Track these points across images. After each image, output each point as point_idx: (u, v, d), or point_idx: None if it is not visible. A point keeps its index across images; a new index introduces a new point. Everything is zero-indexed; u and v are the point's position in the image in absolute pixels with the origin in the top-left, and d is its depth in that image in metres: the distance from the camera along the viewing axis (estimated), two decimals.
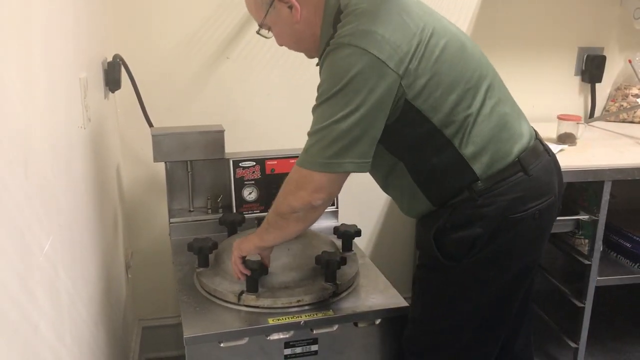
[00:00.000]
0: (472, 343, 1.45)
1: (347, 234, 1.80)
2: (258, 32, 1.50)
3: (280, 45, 1.52)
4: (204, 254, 1.67)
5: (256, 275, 1.50)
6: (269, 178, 1.99)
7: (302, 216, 1.38)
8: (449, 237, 1.37)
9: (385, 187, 1.50)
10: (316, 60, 1.45)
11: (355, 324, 1.55)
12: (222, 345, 1.44)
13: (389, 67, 1.24)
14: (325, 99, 1.28)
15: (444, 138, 1.32)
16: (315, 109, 1.32)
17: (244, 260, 1.50)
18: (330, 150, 1.28)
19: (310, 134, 1.32)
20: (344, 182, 1.35)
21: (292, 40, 1.48)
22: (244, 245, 1.51)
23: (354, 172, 1.31)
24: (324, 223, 2.07)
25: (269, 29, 1.48)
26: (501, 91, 1.41)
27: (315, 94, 1.66)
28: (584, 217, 2.16)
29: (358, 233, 1.81)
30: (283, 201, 1.38)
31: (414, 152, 1.38)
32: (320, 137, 1.28)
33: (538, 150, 1.41)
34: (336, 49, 1.28)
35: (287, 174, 1.38)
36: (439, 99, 1.30)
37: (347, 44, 1.26)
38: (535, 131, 1.47)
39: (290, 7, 1.39)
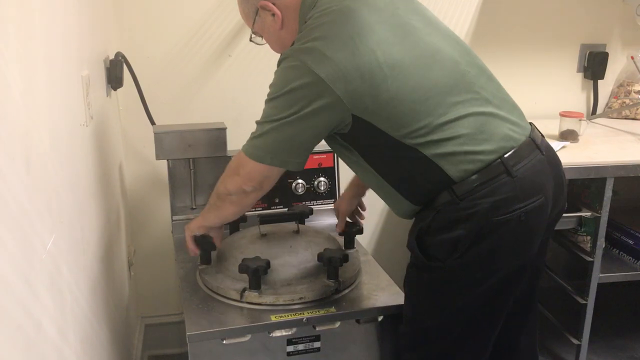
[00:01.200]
0: (462, 340, 1.44)
1: (351, 231, 1.80)
2: (251, 40, 1.60)
3: (275, 50, 1.58)
4: (206, 251, 1.67)
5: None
6: None
7: (235, 200, 1.49)
8: (432, 239, 1.37)
9: (375, 190, 1.51)
10: None
11: (358, 321, 1.55)
12: (224, 342, 1.45)
13: (329, 86, 1.28)
14: (270, 99, 1.37)
15: (407, 146, 1.32)
16: (265, 103, 1.39)
17: (195, 238, 1.63)
18: (265, 144, 1.37)
19: (257, 124, 1.40)
20: (276, 176, 1.44)
21: (279, 46, 1.55)
22: (191, 224, 1.64)
23: (282, 168, 1.40)
24: (326, 220, 2.07)
25: (261, 36, 1.58)
26: (485, 91, 1.38)
27: None
28: (586, 214, 2.16)
29: (360, 231, 1.81)
30: (221, 183, 1.51)
31: (380, 160, 1.40)
32: (261, 130, 1.38)
33: (527, 149, 1.37)
34: (285, 59, 1.35)
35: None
36: (392, 114, 1.30)
37: (293, 56, 1.33)
38: (533, 128, 1.44)
39: (273, 15, 1.47)
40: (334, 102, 1.29)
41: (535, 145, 1.39)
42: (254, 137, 1.40)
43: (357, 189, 1.82)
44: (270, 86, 1.37)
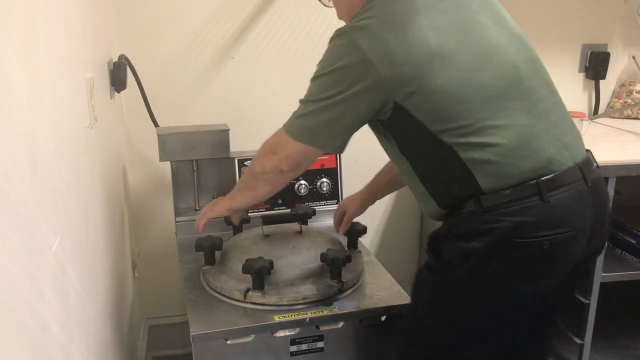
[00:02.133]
0: (460, 350, 1.40)
1: (354, 232, 1.81)
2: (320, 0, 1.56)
3: (339, 17, 1.53)
4: (210, 252, 1.68)
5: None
6: None
7: (271, 178, 1.46)
8: (448, 244, 1.34)
9: (408, 185, 1.46)
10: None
11: (361, 321, 1.55)
12: (228, 342, 1.46)
13: (375, 67, 1.24)
14: (315, 77, 1.34)
15: (444, 144, 1.27)
16: (310, 81, 1.36)
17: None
18: (307, 124, 1.34)
19: (300, 102, 1.37)
20: (314, 157, 1.42)
21: (346, 12, 1.46)
22: (218, 207, 1.64)
23: (322, 150, 1.37)
24: (329, 221, 2.08)
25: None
26: (543, 104, 1.31)
27: None
28: None
29: (364, 231, 1.82)
30: (257, 161, 1.48)
31: (415, 153, 1.36)
32: (304, 109, 1.35)
33: (570, 177, 1.28)
34: (337, 36, 1.31)
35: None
36: (434, 104, 1.25)
37: (344, 34, 1.29)
38: (588, 157, 1.36)
39: None
40: (378, 83, 1.25)
41: (582, 174, 1.30)
42: (297, 116, 1.36)
43: (371, 197, 1.80)
44: (318, 64, 1.34)
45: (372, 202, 1.82)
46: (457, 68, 1.25)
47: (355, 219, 1.84)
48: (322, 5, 1.61)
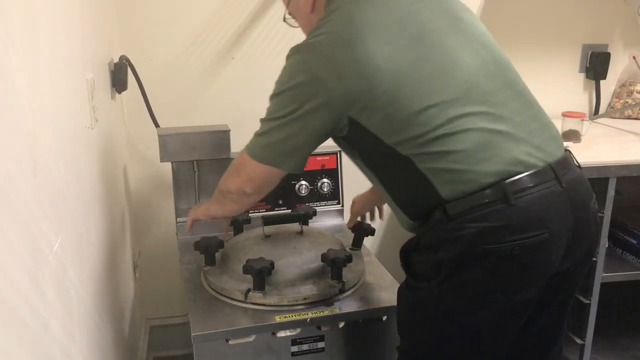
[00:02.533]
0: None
1: (360, 230, 1.83)
2: (284, 20, 1.58)
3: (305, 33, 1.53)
4: (210, 252, 1.68)
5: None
6: None
7: (236, 199, 1.49)
8: (418, 257, 1.31)
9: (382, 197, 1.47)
10: None
11: (362, 321, 1.55)
12: (229, 342, 1.46)
13: (326, 85, 1.24)
14: (272, 96, 1.35)
15: (401, 155, 1.24)
16: (269, 100, 1.37)
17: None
18: (264, 143, 1.36)
19: (260, 121, 1.38)
20: (276, 178, 1.41)
21: (306, 30, 1.49)
22: (198, 211, 1.66)
23: (281, 169, 1.37)
24: (330, 222, 2.09)
25: (294, 18, 1.54)
26: (505, 107, 1.26)
27: None
28: None
29: (371, 231, 1.85)
30: (224, 180, 1.51)
31: (378, 167, 1.35)
32: (262, 128, 1.36)
33: (540, 178, 1.23)
34: (291, 54, 1.32)
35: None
36: (386, 117, 1.23)
37: (298, 51, 1.31)
38: (565, 157, 1.31)
39: None
40: (329, 100, 1.25)
41: (555, 174, 1.24)
42: (256, 134, 1.38)
43: (377, 196, 1.81)
44: (275, 82, 1.35)
45: (377, 202, 1.84)
46: (408, 80, 1.22)
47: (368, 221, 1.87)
48: None
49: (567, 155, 1.34)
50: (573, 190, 1.27)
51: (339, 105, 1.26)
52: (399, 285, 1.63)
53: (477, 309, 1.26)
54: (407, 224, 1.37)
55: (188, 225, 1.71)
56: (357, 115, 1.26)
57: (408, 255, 1.34)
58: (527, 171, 1.22)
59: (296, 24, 1.56)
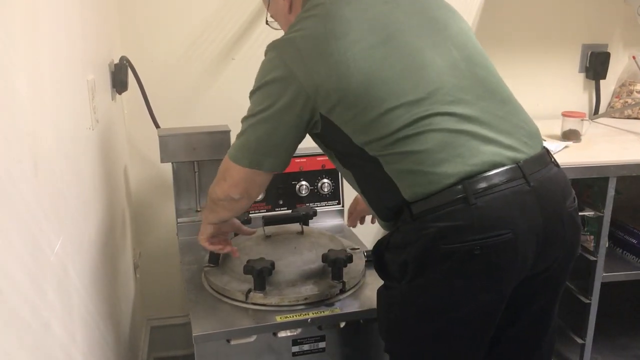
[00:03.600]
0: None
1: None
2: (267, 22, 1.59)
3: None
4: (215, 254, 1.68)
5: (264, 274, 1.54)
6: (274, 177, 1.99)
7: (227, 205, 1.49)
8: (388, 257, 1.31)
9: None
10: None
11: (362, 321, 1.56)
12: (231, 343, 1.46)
13: (299, 80, 1.26)
14: (251, 94, 1.36)
15: (369, 155, 1.26)
16: (249, 98, 1.37)
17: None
18: (243, 143, 1.36)
19: (242, 123, 1.37)
20: (261, 181, 1.41)
21: (285, 28, 1.51)
22: (202, 228, 1.62)
23: (262, 170, 1.36)
24: (330, 222, 2.09)
25: (275, 21, 1.56)
26: (473, 106, 1.25)
27: None
28: (589, 213, 2.16)
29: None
30: (212, 188, 1.49)
31: (352, 166, 1.36)
32: (242, 128, 1.36)
33: (505, 177, 1.21)
34: (267, 51, 1.34)
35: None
36: (356, 116, 1.24)
37: (274, 47, 1.32)
38: (540, 155, 1.28)
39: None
40: (301, 95, 1.26)
41: (522, 173, 1.22)
42: (237, 136, 1.38)
43: None
44: (255, 79, 1.36)
45: None
46: (376, 80, 1.23)
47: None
48: None
49: (544, 152, 1.31)
50: (544, 189, 1.25)
51: (311, 100, 1.27)
52: None
53: (445, 309, 1.25)
54: (382, 224, 1.39)
55: (207, 246, 1.63)
56: (329, 112, 1.27)
57: (381, 255, 1.35)
58: (491, 170, 1.20)
59: (278, 27, 1.58)
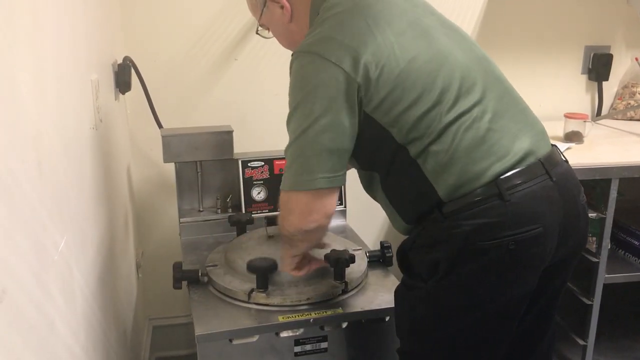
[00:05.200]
0: None
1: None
2: (257, 32, 1.53)
3: (282, 45, 1.53)
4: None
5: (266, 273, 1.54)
6: (278, 178, 1.98)
7: (302, 238, 1.38)
8: (415, 257, 1.31)
9: (378, 202, 1.43)
10: None
11: (365, 322, 1.56)
12: (233, 342, 1.46)
13: (346, 73, 1.20)
14: (292, 113, 1.26)
15: (408, 156, 1.25)
16: (287, 125, 1.29)
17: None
18: (303, 167, 1.25)
19: (285, 152, 1.29)
20: (332, 198, 1.30)
21: (288, 41, 1.49)
22: (284, 263, 1.51)
23: (329, 187, 1.26)
24: (333, 222, 2.08)
25: (268, 29, 1.51)
26: (497, 103, 1.28)
27: None
28: (591, 215, 2.15)
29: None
30: (281, 226, 1.38)
31: (385, 169, 1.32)
32: (292, 154, 1.27)
33: (532, 173, 1.25)
34: (296, 58, 1.26)
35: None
36: (402, 114, 1.22)
37: (306, 51, 1.24)
38: (553, 152, 1.33)
39: (282, 7, 1.40)
40: (353, 92, 1.21)
41: (545, 169, 1.26)
42: (287, 166, 1.28)
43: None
44: (290, 97, 1.27)
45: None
46: (419, 72, 1.23)
47: (358, 221, 1.82)
48: None
49: (555, 149, 1.35)
50: (563, 184, 1.29)
51: (360, 97, 1.22)
52: None
53: (475, 306, 1.27)
54: (402, 227, 1.37)
55: (294, 274, 1.53)
56: (374, 109, 1.23)
57: (405, 255, 1.35)
58: (519, 167, 1.24)
59: (269, 35, 1.53)
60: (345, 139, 1.25)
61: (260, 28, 1.52)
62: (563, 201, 1.28)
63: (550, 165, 1.27)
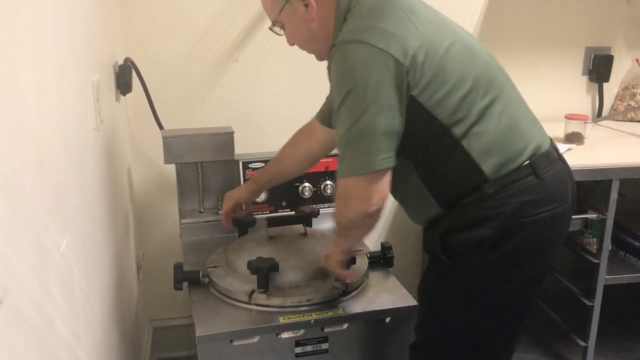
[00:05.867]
0: (479, 351, 1.45)
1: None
2: (271, 29, 1.50)
3: (291, 44, 1.51)
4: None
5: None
6: None
7: (362, 224, 1.38)
8: (456, 238, 1.36)
9: (393, 190, 1.42)
10: (326, 62, 1.44)
11: (365, 323, 1.56)
12: (234, 343, 1.46)
13: (394, 58, 1.24)
14: (341, 103, 1.28)
15: (452, 137, 1.31)
16: (336, 117, 1.31)
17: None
18: (362, 151, 1.28)
19: (340, 143, 1.31)
20: (388, 180, 1.32)
21: (305, 40, 1.48)
22: (331, 260, 1.52)
23: (387, 167, 1.29)
24: (333, 223, 2.08)
25: (282, 27, 1.48)
26: (513, 95, 1.40)
27: (321, 94, 1.67)
28: (592, 215, 2.16)
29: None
30: (340, 216, 1.39)
31: (424, 154, 1.36)
32: (348, 141, 1.29)
33: (552, 156, 1.38)
34: (341, 48, 1.28)
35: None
36: (445, 96, 1.29)
37: (351, 40, 1.27)
38: (551, 139, 1.45)
39: (306, 5, 1.39)
40: (399, 74, 1.25)
41: (557, 154, 1.41)
42: (344, 153, 1.30)
43: (256, 187, 1.86)
44: (333, 90, 1.31)
45: (258, 193, 1.91)
46: (457, 58, 1.31)
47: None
48: None
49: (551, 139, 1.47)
50: (568, 169, 1.45)
51: (409, 81, 1.26)
52: (401, 287, 1.65)
53: (513, 279, 1.38)
54: (431, 214, 1.41)
55: (347, 276, 1.56)
56: (420, 93, 1.28)
57: (444, 237, 1.38)
58: (542, 150, 1.37)
59: (281, 32, 1.50)
60: (397, 121, 1.28)
61: (274, 25, 1.49)
62: (570, 184, 1.43)
63: (558, 150, 1.43)
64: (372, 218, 1.37)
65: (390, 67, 1.24)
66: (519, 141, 1.34)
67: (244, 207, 1.88)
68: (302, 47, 1.51)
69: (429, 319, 1.49)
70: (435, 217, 1.41)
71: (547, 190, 1.34)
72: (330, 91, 1.33)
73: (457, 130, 1.31)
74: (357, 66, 1.26)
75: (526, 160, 1.33)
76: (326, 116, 1.70)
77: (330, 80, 1.35)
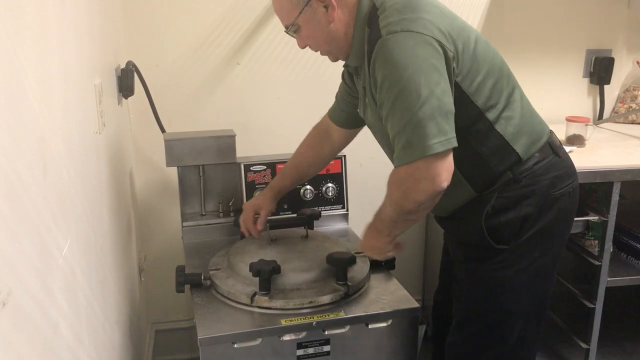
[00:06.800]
0: (522, 336, 1.52)
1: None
2: (286, 31, 1.49)
3: (303, 47, 1.52)
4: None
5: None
6: None
7: (429, 205, 1.37)
8: (498, 221, 1.44)
9: None
10: (325, 64, 1.46)
11: (367, 325, 1.56)
12: (235, 346, 1.46)
13: (443, 45, 1.31)
14: (398, 92, 1.29)
15: (487, 121, 1.40)
16: (393, 106, 1.31)
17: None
18: (430, 131, 1.27)
19: (399, 132, 1.31)
20: (452, 158, 1.32)
21: (324, 41, 1.47)
22: (383, 251, 1.55)
23: (455, 146, 1.30)
24: (334, 226, 2.09)
25: (297, 30, 1.47)
26: (519, 86, 1.52)
27: (323, 97, 1.68)
28: (593, 218, 2.16)
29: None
30: (405, 201, 1.35)
31: (463, 138, 1.34)
32: (415, 125, 1.28)
33: (557, 140, 1.54)
34: (391, 38, 1.30)
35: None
36: (480, 83, 1.38)
37: (400, 30, 1.30)
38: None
39: (327, 7, 1.41)
40: (448, 60, 1.32)
41: (558, 140, 1.56)
42: (409, 139, 1.29)
43: (278, 194, 1.85)
44: (385, 81, 1.31)
45: (279, 198, 1.88)
46: (484, 50, 1.41)
47: (361, 224, 1.84)
48: None
49: None
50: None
51: (455, 66, 1.35)
52: (403, 289, 1.64)
53: (545, 255, 1.50)
54: (464, 198, 1.48)
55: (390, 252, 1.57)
56: (463, 78, 1.37)
57: (488, 222, 1.45)
58: (549, 133, 1.52)
59: (295, 36, 1.50)
60: (452, 102, 1.33)
61: (289, 28, 1.48)
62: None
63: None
64: (437, 197, 1.35)
65: (441, 53, 1.31)
66: (538, 124, 1.49)
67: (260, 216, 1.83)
68: (318, 49, 1.52)
69: (470, 309, 1.56)
70: (463, 204, 1.49)
71: (565, 165, 1.50)
72: (380, 84, 1.33)
73: (491, 115, 1.41)
74: (409, 54, 1.29)
75: (546, 141, 1.47)
76: (344, 118, 1.74)
77: (375, 75, 1.35)
